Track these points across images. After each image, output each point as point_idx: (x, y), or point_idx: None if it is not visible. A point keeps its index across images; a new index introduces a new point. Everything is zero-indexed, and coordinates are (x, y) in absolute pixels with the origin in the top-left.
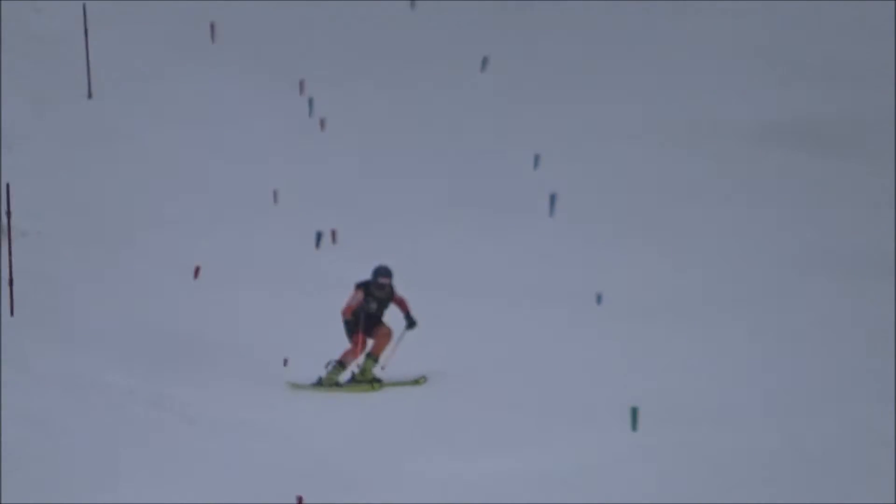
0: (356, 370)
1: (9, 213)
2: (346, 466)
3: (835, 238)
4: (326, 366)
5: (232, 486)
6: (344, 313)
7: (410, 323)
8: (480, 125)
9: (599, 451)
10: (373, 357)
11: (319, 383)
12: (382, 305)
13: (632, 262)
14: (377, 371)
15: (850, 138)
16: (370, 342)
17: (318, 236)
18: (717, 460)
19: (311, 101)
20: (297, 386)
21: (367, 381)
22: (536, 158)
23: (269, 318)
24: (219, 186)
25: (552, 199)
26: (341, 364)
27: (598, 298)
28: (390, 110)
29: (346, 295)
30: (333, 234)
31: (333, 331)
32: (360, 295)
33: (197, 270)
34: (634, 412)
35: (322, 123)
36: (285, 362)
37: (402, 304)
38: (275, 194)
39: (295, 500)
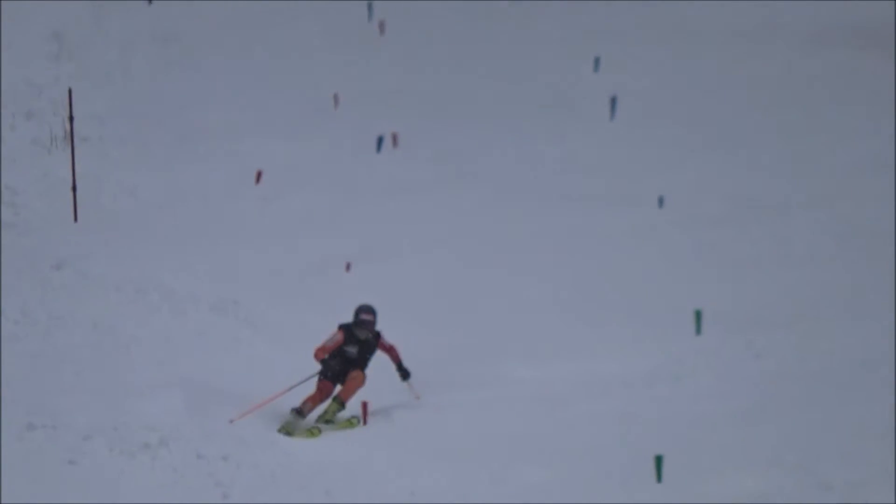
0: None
1: (71, 119)
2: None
3: None
4: (291, 410)
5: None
6: (316, 355)
7: (403, 374)
8: (542, 30)
9: (663, 356)
10: (339, 401)
11: (285, 431)
12: (365, 352)
13: (695, 167)
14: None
15: None
16: (338, 388)
17: (380, 140)
18: (781, 365)
19: (370, 5)
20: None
21: (328, 421)
22: (597, 61)
23: (331, 222)
24: (278, 91)
25: (613, 102)
26: (299, 412)
27: (661, 202)
28: (450, 16)
29: (410, 198)
30: (395, 137)
31: (394, 234)
32: (340, 336)
33: (258, 175)
34: (698, 316)
35: (381, 27)
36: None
37: (391, 352)
38: (335, 98)
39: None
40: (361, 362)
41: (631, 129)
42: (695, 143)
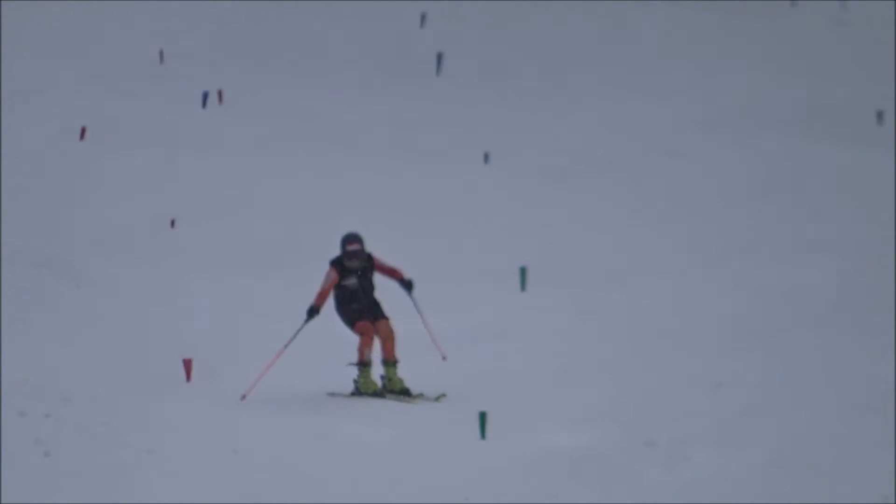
0: (383, 380)
1: None
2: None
3: (735, 94)
4: (348, 365)
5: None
6: (316, 302)
7: (407, 285)
8: None
9: (489, 312)
10: (391, 363)
11: (358, 392)
12: (365, 280)
13: (521, 123)
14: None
15: None
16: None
17: (205, 96)
18: (607, 322)
19: None
20: (333, 394)
21: (399, 391)
22: (423, 17)
23: (156, 179)
24: (103, 46)
25: (439, 58)
26: (364, 364)
27: (486, 158)
28: None
29: (236, 155)
30: (220, 94)
31: (220, 191)
32: (334, 273)
33: (83, 132)
34: (523, 273)
35: None
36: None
37: (393, 275)
38: (160, 54)
39: None
40: (372, 300)
41: (457, 85)
42: (521, 100)
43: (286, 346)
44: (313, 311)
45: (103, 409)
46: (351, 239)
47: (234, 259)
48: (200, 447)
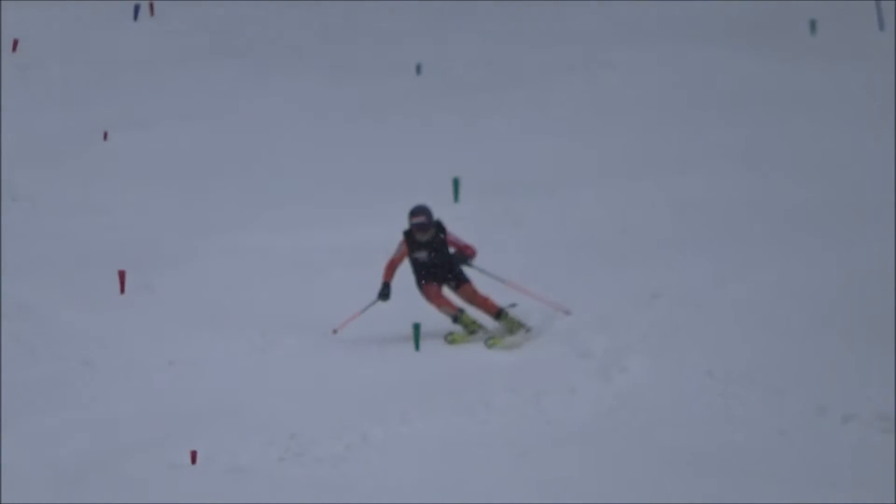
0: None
1: None
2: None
3: (665, 6)
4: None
5: None
6: (385, 272)
7: (459, 257)
8: None
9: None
10: (504, 314)
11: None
12: (437, 254)
13: (453, 33)
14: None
15: None
16: (451, 296)
17: (136, 9)
18: (539, 232)
19: None
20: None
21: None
22: None
23: (89, 91)
24: None
25: None
26: (456, 316)
27: (419, 69)
28: None
29: (167, 69)
30: (151, 6)
31: (152, 104)
32: (404, 246)
33: (15, 44)
34: (456, 184)
35: None
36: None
37: (466, 250)
38: None
39: None
40: (446, 267)
41: None
42: (452, 8)
43: (360, 313)
44: (383, 291)
45: (39, 322)
46: (416, 211)
47: (166, 171)
48: (136, 359)
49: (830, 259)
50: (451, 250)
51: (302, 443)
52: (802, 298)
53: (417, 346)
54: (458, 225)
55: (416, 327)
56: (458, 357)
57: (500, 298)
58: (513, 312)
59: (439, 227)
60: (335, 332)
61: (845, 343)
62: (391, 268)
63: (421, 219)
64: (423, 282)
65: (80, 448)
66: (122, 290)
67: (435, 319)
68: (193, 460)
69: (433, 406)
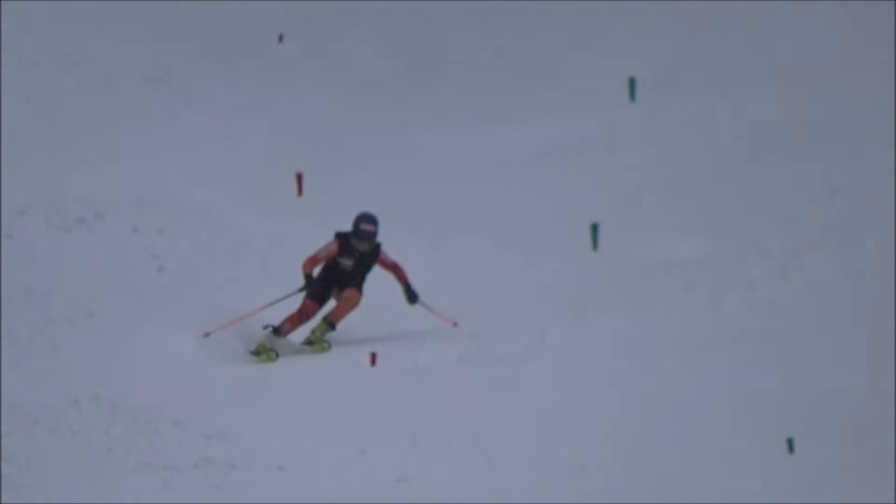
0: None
1: None
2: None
3: None
4: (264, 328)
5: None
6: (304, 265)
7: (411, 296)
8: None
9: (597, 123)
10: (328, 322)
11: (256, 352)
12: (361, 266)
13: None
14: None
15: None
16: (325, 309)
17: None
18: (716, 130)
19: None
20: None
21: (313, 341)
22: None
23: None
24: None
25: None
26: (276, 331)
27: None
28: None
29: None
30: None
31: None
32: (335, 247)
33: None
34: (632, 83)
35: None
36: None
37: (395, 271)
38: None
39: None
40: (357, 277)
41: None
42: None
43: (270, 305)
44: (308, 282)
45: (216, 223)
46: (367, 219)
47: (341, 75)
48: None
49: None
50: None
51: (482, 343)
52: None
53: (595, 246)
54: (634, 126)
55: (595, 227)
56: (636, 254)
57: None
58: (326, 334)
59: (376, 244)
60: (207, 335)
61: None
62: (312, 263)
63: (371, 228)
64: (315, 294)
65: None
66: (300, 192)
67: None
68: (373, 362)
69: (610, 304)
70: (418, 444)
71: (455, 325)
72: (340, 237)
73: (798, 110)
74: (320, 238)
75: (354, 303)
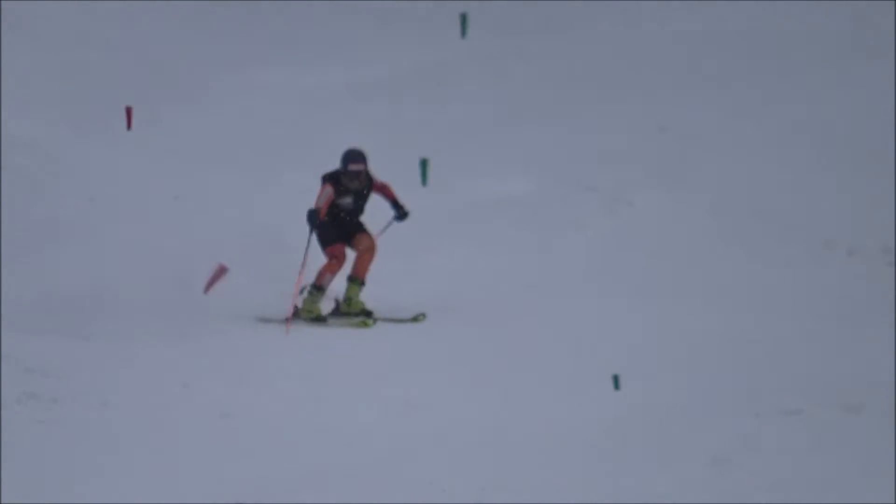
0: (339, 299)
1: None
2: None
3: None
4: (301, 291)
5: None
6: (311, 217)
7: (401, 213)
8: None
9: (429, 58)
10: (357, 281)
11: (297, 315)
12: (360, 200)
13: None
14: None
15: None
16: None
17: None
18: (545, 68)
19: None
20: (266, 319)
21: (356, 313)
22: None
23: None
24: None
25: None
26: (319, 288)
27: None
28: None
29: None
30: None
31: None
32: (330, 190)
33: None
34: (464, 18)
35: None
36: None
37: (385, 191)
38: None
39: None
40: (358, 213)
41: None
42: None
43: (303, 265)
44: (314, 217)
45: (44, 158)
46: (356, 157)
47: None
48: (141, 194)
49: (839, 96)
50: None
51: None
52: (811, 135)
53: (425, 182)
54: (467, 61)
55: (424, 163)
56: (466, 191)
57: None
58: (358, 293)
59: (369, 177)
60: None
61: (851, 179)
62: (324, 212)
63: (360, 166)
64: (333, 239)
65: (78, 283)
66: (129, 126)
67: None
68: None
69: (439, 241)
70: (244, 380)
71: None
72: (330, 179)
73: (625, 50)
74: (150, 173)
75: (372, 252)
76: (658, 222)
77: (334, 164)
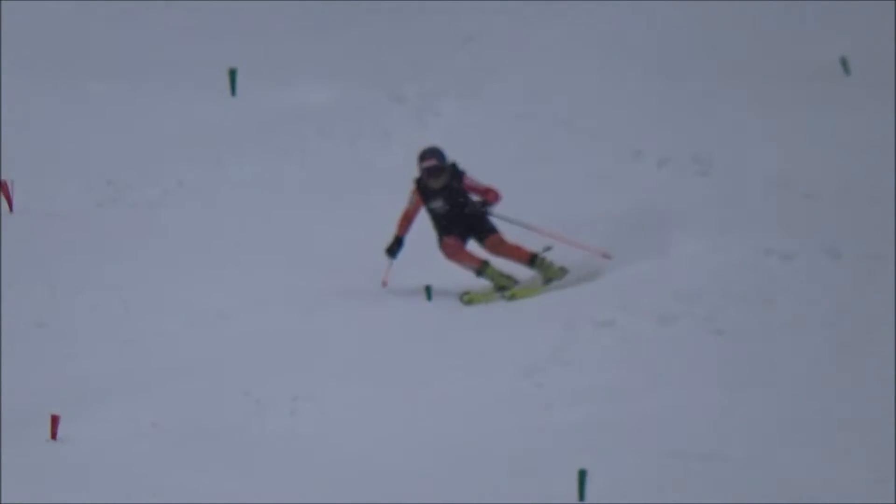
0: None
1: None
2: None
3: None
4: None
5: None
6: (399, 226)
7: (481, 207)
8: None
9: None
10: (540, 260)
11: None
12: (455, 201)
13: None
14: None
15: None
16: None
17: None
18: None
19: None
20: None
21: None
22: None
23: None
24: None
25: None
26: (480, 269)
27: None
28: None
29: None
30: None
31: None
32: (417, 196)
33: None
34: None
35: None
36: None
37: (487, 195)
38: None
39: None
40: (470, 217)
41: None
42: None
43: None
44: (393, 247)
45: None
46: (426, 154)
47: None
48: None
49: (654, 6)
50: (474, 197)
51: (118, 188)
52: (621, 42)
53: (234, 91)
54: None
55: (233, 73)
56: (273, 99)
57: (531, 244)
58: (549, 256)
59: (454, 171)
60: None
61: (660, 88)
62: (406, 220)
63: (431, 162)
64: (443, 235)
65: None
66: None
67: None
68: (10, 207)
69: (249, 150)
70: (56, 290)
71: (606, 257)
72: (417, 183)
73: None
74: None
75: (501, 242)
76: (464, 133)
77: (134, 74)
